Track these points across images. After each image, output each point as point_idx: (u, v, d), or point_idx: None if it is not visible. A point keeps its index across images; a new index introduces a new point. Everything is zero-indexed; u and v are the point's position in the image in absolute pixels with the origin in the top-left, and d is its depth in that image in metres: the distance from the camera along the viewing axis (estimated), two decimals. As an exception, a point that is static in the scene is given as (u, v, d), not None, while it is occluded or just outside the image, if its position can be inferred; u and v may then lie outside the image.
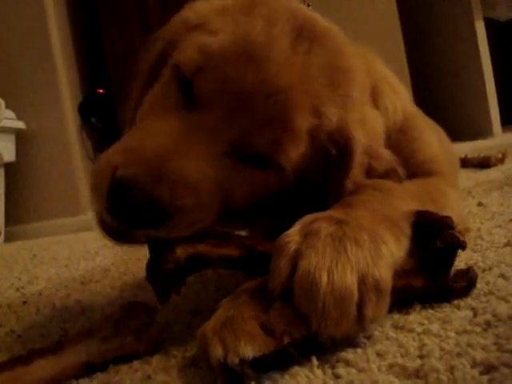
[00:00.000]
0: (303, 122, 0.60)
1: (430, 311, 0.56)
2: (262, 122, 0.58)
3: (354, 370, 0.45)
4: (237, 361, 0.44)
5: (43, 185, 2.43)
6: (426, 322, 0.53)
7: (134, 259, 1.31)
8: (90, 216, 2.44)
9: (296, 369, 0.46)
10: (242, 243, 0.59)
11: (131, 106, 0.75)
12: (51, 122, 2.42)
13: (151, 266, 0.55)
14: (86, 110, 2.54)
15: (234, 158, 0.60)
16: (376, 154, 0.68)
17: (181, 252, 0.55)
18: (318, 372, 0.46)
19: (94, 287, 1.04)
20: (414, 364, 0.44)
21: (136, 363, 0.56)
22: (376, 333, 0.52)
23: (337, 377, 0.44)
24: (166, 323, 0.68)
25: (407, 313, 0.57)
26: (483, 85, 3.79)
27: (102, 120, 2.58)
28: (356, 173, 0.66)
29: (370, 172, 0.68)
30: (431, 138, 0.84)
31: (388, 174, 0.69)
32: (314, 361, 0.48)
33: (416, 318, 0.55)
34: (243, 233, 0.75)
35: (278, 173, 0.62)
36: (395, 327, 0.54)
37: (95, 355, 0.54)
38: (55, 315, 0.84)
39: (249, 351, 0.44)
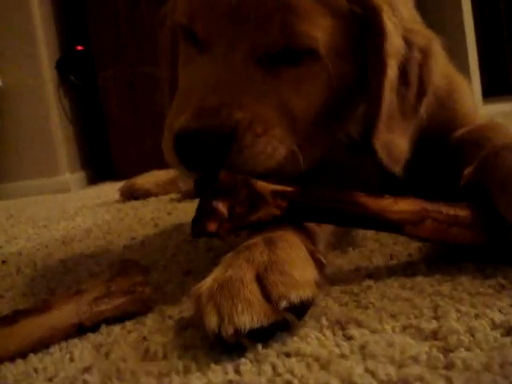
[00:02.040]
0: None
1: (438, 273, 0.54)
2: (263, 18, 0.58)
3: (366, 331, 0.42)
4: (232, 332, 0.40)
5: (19, 144, 2.34)
6: (435, 283, 0.51)
7: (116, 219, 1.27)
8: (66, 177, 2.38)
9: (305, 330, 0.44)
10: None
11: (166, 87, 0.81)
12: (28, 79, 2.31)
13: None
14: (65, 68, 2.44)
15: (267, 65, 0.59)
16: (409, 26, 0.66)
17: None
18: (328, 333, 0.43)
19: (76, 247, 1.00)
20: (430, 325, 0.42)
21: (129, 324, 0.52)
22: (385, 292, 0.50)
23: (349, 338, 0.42)
24: (158, 284, 0.65)
25: (413, 274, 0.55)
26: (466, 57, 3.77)
27: (80, 78, 2.48)
28: (393, 40, 0.62)
29: (409, 45, 0.65)
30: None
31: (426, 52, 0.66)
32: (324, 321, 0.45)
33: (424, 279, 0.53)
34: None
35: (314, 62, 0.60)
36: (403, 288, 0.51)
37: (86, 316, 0.51)
38: (37, 275, 0.81)
39: (245, 322, 0.40)
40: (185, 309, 0.55)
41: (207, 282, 0.45)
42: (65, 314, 0.50)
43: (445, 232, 0.54)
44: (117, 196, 1.69)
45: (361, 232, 0.74)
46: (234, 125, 0.55)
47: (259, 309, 0.41)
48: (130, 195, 1.59)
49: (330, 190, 0.54)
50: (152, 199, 1.55)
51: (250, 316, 0.41)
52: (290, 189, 0.54)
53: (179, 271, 0.70)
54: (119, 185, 2.07)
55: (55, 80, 2.41)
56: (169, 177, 1.65)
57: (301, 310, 0.44)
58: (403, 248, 0.65)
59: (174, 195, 1.53)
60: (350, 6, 0.61)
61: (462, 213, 0.55)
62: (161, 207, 1.36)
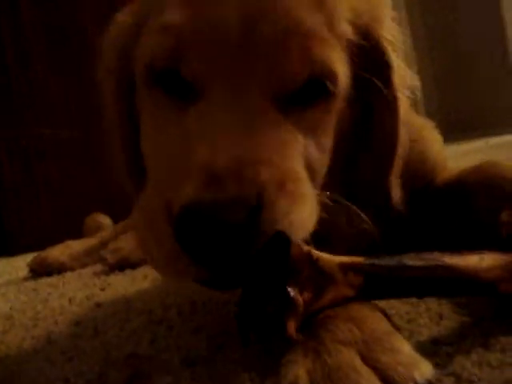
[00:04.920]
0: (313, 17, 0.50)
1: None
2: (274, 48, 0.48)
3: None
4: None
5: None
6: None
7: (38, 301, 1.08)
8: None
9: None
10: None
11: (119, 153, 0.66)
12: None
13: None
14: None
15: (284, 107, 0.50)
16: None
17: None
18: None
19: (6, 340, 0.81)
20: None
21: None
22: (488, 360, 0.42)
23: None
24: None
25: (491, 335, 0.47)
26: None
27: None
28: (400, 72, 0.59)
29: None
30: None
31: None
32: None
33: None
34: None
35: (327, 100, 0.53)
36: (502, 352, 0.44)
37: None
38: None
39: None
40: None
41: (299, 377, 0.35)
42: None
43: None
44: (21, 273, 1.48)
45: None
46: (260, 189, 0.42)
47: None
48: (42, 270, 1.39)
49: (404, 254, 0.44)
50: (69, 274, 1.36)
51: None
52: (359, 259, 0.43)
53: (177, 362, 0.56)
54: (14, 260, 1.84)
55: None
56: (84, 248, 1.48)
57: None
58: (432, 306, 0.58)
59: (95, 268, 1.36)
60: (354, 36, 0.55)
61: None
62: (88, 283, 1.19)
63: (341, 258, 0.42)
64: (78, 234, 1.72)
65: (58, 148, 2.22)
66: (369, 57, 0.56)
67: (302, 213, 0.45)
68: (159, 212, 0.42)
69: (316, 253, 0.41)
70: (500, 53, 4.23)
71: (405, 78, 0.60)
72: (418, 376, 0.35)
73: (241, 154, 0.43)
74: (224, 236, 0.39)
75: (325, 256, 0.42)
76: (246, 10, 0.48)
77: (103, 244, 1.42)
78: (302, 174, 0.48)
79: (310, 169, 0.51)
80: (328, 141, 0.55)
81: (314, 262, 0.41)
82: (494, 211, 0.57)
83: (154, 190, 0.47)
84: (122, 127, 0.63)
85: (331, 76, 0.51)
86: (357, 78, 0.56)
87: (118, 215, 1.69)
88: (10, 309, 1.05)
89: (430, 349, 0.47)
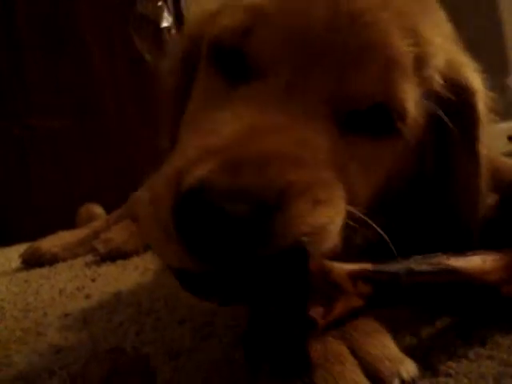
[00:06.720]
0: (405, 46, 0.46)
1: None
2: (354, 58, 0.45)
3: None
4: None
5: None
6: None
7: (29, 292, 1.08)
8: None
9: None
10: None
11: (166, 129, 0.62)
12: None
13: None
14: None
15: (342, 124, 0.46)
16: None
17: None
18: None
19: (-5, 331, 0.81)
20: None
21: None
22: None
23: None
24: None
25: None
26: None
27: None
28: (485, 137, 0.54)
29: None
30: None
31: None
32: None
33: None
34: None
35: (394, 140, 0.49)
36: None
37: None
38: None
39: None
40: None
41: None
42: None
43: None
44: (13, 264, 1.48)
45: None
46: (282, 187, 0.36)
47: None
48: (34, 261, 1.39)
49: (409, 258, 0.42)
50: (61, 265, 1.37)
51: None
52: (367, 266, 0.39)
53: (160, 355, 0.57)
54: (7, 251, 1.84)
55: None
56: (77, 238, 1.48)
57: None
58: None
59: (87, 258, 1.37)
60: (442, 87, 0.51)
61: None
62: (79, 274, 1.19)
63: (349, 267, 0.38)
64: (71, 223, 1.73)
65: (50, 137, 2.21)
66: (454, 108, 0.53)
67: (325, 218, 0.39)
68: (166, 186, 0.38)
69: (328, 264, 0.37)
70: (498, 51, 4.24)
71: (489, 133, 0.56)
72: (403, 372, 0.35)
73: (274, 147, 0.39)
74: (226, 229, 0.33)
75: (336, 266, 0.38)
76: (336, 11, 0.45)
77: (95, 234, 1.42)
78: (335, 183, 0.43)
79: (350, 190, 0.45)
80: (379, 174, 0.50)
81: (327, 274, 0.37)
82: None
83: (172, 161, 0.42)
84: (175, 106, 0.60)
85: (400, 111, 0.48)
86: (435, 123, 0.53)
87: (111, 205, 1.69)
88: (2, 300, 1.05)
89: (410, 342, 0.48)
